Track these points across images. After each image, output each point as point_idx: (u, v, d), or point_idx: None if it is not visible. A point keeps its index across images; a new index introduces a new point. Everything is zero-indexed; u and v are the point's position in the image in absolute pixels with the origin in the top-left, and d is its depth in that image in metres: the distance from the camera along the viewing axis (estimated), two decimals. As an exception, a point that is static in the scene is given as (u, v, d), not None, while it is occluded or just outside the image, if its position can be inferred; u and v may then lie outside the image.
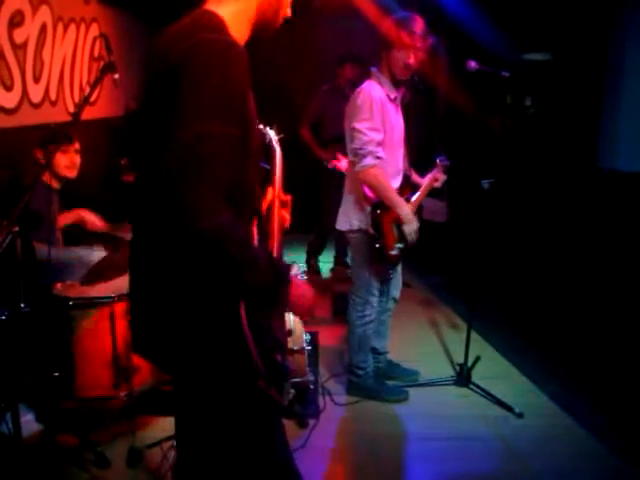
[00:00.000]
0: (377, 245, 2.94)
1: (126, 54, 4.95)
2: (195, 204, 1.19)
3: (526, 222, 5.14)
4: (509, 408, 3.06)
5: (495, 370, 3.54)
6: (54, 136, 2.97)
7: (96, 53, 4.50)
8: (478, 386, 3.26)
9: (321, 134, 5.09)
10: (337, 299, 4.44)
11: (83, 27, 4.30)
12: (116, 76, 2.67)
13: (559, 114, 5.16)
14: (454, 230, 5.13)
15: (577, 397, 3.23)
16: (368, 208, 2.96)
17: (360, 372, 3.21)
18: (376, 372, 3.33)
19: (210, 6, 1.40)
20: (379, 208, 2.92)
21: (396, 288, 3.32)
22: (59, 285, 2.67)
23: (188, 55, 1.24)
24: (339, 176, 4.58)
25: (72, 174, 3.10)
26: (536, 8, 5.06)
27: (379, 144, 2.84)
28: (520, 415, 3.02)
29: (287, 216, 1.77)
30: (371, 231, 2.94)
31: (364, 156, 2.82)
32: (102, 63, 2.62)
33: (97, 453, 2.59)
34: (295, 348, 2.94)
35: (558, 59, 5.22)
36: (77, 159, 3.11)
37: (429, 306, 4.66)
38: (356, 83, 5.05)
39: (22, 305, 2.24)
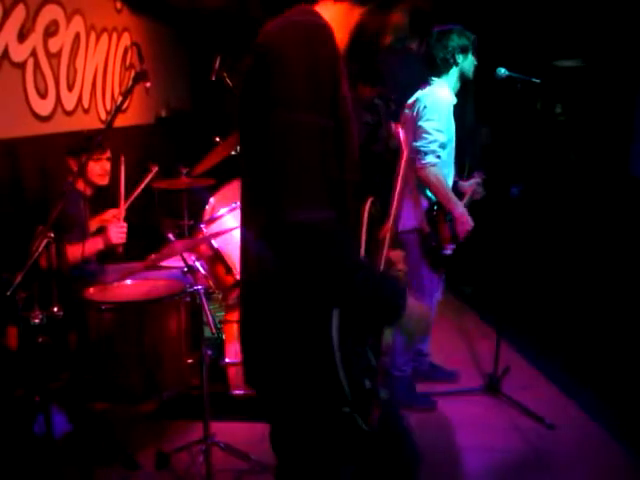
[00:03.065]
0: (433, 243, 2.96)
1: (157, 62, 5.03)
2: (283, 197, 1.14)
3: (556, 229, 5.06)
4: (540, 419, 3.01)
5: (525, 380, 3.48)
6: (86, 144, 3.02)
7: (128, 62, 4.58)
8: (508, 396, 3.21)
9: None
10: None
11: (115, 36, 4.38)
12: (148, 84, 2.71)
13: (590, 121, 5.09)
14: (484, 238, 5.09)
15: (610, 408, 3.16)
16: (424, 207, 2.99)
17: (398, 373, 3.18)
18: (416, 373, 3.31)
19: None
20: (436, 207, 2.97)
21: (439, 289, 3.33)
22: (91, 289, 2.71)
23: (273, 38, 1.21)
24: None
25: (104, 182, 3.15)
26: (568, 14, 5.00)
27: (442, 145, 2.91)
28: (551, 426, 2.96)
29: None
30: (427, 229, 2.96)
31: (426, 154, 2.89)
32: (134, 72, 2.67)
33: (126, 455, 2.61)
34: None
35: (590, 66, 5.16)
36: (108, 167, 3.16)
37: (459, 315, 4.61)
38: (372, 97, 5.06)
39: (55, 309, 2.28)
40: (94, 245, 3.00)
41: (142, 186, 3.34)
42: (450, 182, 3.07)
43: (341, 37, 1.34)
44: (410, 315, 1.30)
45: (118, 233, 3.00)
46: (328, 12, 1.34)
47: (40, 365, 2.29)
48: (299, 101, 1.16)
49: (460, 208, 2.97)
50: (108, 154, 3.15)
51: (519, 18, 4.96)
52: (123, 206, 3.13)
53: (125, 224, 3.06)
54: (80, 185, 3.07)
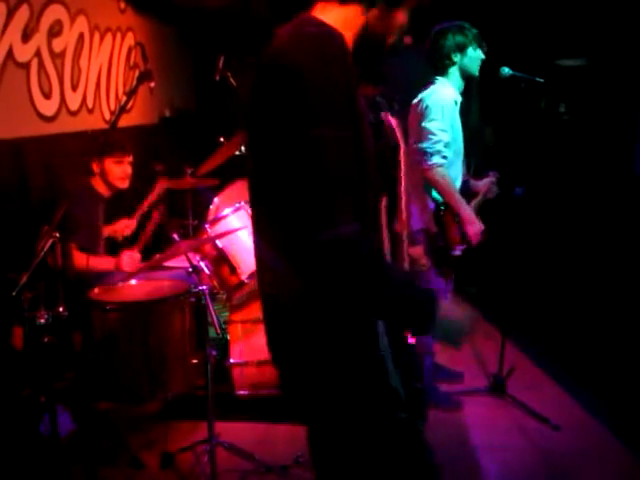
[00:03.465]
0: (440, 243, 2.95)
1: (161, 62, 5.03)
2: (315, 214, 1.15)
3: (560, 229, 5.05)
4: (545, 419, 3.00)
5: (530, 380, 3.47)
6: (110, 146, 3.03)
7: (132, 61, 4.58)
8: (513, 397, 3.20)
9: None
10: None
11: (119, 36, 4.38)
12: (152, 84, 2.72)
13: (594, 120, 5.08)
14: (489, 238, 5.07)
15: (615, 409, 3.14)
16: (431, 207, 2.97)
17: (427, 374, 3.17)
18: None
19: (317, 11, 1.35)
20: (443, 207, 2.94)
21: (447, 291, 3.30)
22: (96, 289, 2.71)
23: (290, 53, 1.20)
24: None
25: (124, 185, 3.17)
26: (571, 13, 4.99)
27: (447, 145, 2.88)
28: (556, 427, 2.96)
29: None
30: (434, 230, 2.95)
31: (431, 155, 2.86)
32: (138, 71, 2.67)
33: (131, 455, 2.61)
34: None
35: (594, 65, 5.14)
36: (130, 170, 3.17)
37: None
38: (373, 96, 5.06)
39: (61, 309, 2.28)
40: (104, 264, 3.03)
41: (152, 199, 3.35)
42: (459, 182, 3.06)
43: (347, 40, 1.33)
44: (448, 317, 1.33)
45: (131, 262, 3.03)
46: (333, 14, 1.33)
47: (45, 365, 2.30)
48: (324, 116, 1.16)
49: (467, 209, 2.94)
50: (130, 158, 3.16)
51: (522, 17, 4.95)
52: (135, 218, 3.18)
53: (139, 255, 3.10)
54: (100, 187, 3.09)
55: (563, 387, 3.40)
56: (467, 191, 3.11)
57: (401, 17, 1.41)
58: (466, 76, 3.04)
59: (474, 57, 3.00)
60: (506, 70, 3.02)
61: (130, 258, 3.03)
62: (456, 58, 2.98)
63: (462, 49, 2.97)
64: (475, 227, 2.92)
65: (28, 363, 2.42)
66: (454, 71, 3.01)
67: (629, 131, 4.69)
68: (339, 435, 1.37)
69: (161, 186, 3.42)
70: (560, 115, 5.51)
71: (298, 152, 1.16)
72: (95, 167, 3.06)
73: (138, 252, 3.12)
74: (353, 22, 1.36)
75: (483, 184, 3.20)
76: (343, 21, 1.34)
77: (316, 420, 1.42)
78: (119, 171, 3.11)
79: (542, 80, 3.05)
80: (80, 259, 2.81)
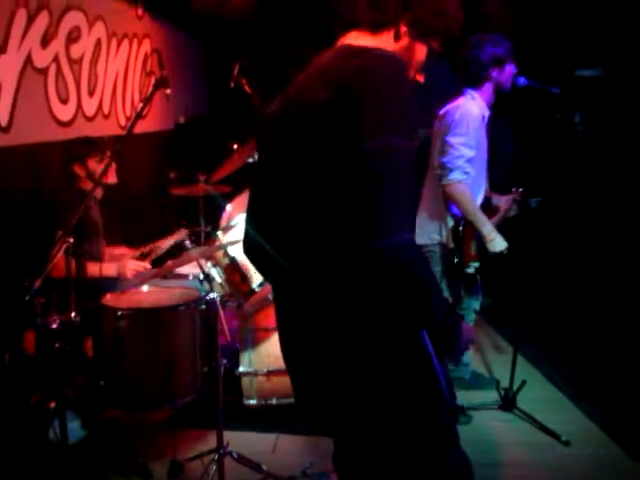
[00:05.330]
0: (456, 260, 2.92)
1: (177, 69, 5.07)
2: (390, 218, 1.19)
3: (575, 241, 5.00)
4: (556, 435, 2.96)
5: (541, 395, 3.43)
6: (88, 148, 3.05)
7: (148, 68, 4.61)
8: (524, 411, 3.17)
9: None
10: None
11: (136, 42, 4.42)
12: (168, 91, 2.73)
13: (609, 131, 5.04)
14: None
15: (626, 426, 3.10)
16: (450, 222, 2.95)
17: None
18: (458, 383, 3.31)
19: (347, 41, 1.42)
20: (462, 224, 2.91)
21: (477, 300, 3.32)
22: (108, 295, 2.72)
23: (361, 72, 1.25)
24: None
25: (114, 180, 3.17)
26: (588, 24, 4.96)
27: (469, 161, 2.84)
28: (567, 443, 2.92)
29: None
30: (451, 245, 2.93)
31: (451, 170, 2.82)
32: (155, 78, 2.69)
33: (139, 464, 2.61)
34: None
35: (610, 75, 5.11)
36: (113, 164, 3.15)
37: (475, 328, 4.57)
38: None
39: (73, 315, 2.29)
40: (106, 269, 3.01)
41: (166, 245, 3.32)
42: (480, 197, 3.02)
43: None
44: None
45: (135, 270, 3.03)
46: (365, 42, 1.39)
47: (56, 370, 2.30)
48: (392, 126, 1.23)
49: (488, 226, 2.89)
50: (108, 152, 3.14)
51: (540, 27, 4.93)
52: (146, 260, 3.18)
53: (148, 266, 3.11)
54: (90, 188, 3.08)
55: (574, 402, 3.36)
56: (488, 207, 3.08)
57: (422, 53, 1.47)
58: (499, 91, 2.98)
59: (509, 72, 2.94)
60: (522, 80, 2.97)
61: (136, 267, 3.04)
62: (493, 72, 2.92)
63: (500, 63, 2.91)
64: (494, 245, 2.89)
65: (39, 368, 2.44)
66: (488, 85, 2.95)
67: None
68: (386, 443, 1.41)
69: (180, 235, 3.38)
70: (575, 125, 5.49)
71: (367, 159, 1.21)
72: (80, 171, 3.06)
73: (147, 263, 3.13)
74: (385, 47, 1.40)
75: (505, 201, 3.16)
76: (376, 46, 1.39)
77: (358, 430, 1.43)
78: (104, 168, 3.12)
79: (557, 91, 3.02)
80: (93, 268, 2.82)
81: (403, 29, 1.41)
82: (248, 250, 1.61)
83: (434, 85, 3.69)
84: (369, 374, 1.32)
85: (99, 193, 3.15)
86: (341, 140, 1.25)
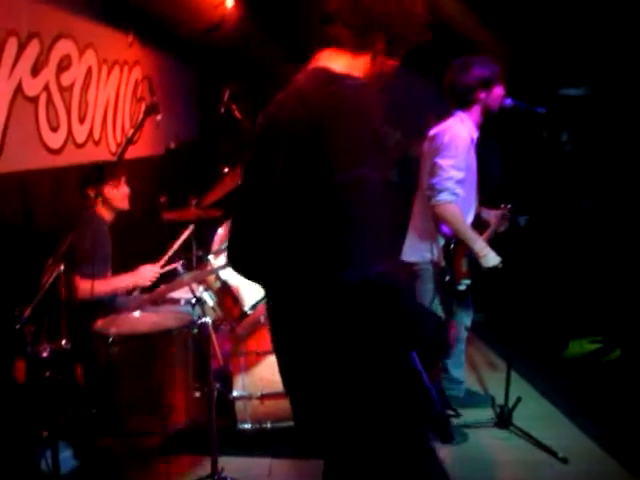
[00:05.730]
0: (447, 278, 2.94)
1: (167, 94, 5.11)
2: (362, 250, 1.21)
3: (565, 258, 5.03)
4: (553, 452, 2.95)
5: (537, 411, 3.42)
6: (101, 173, 3.08)
7: (139, 94, 4.64)
8: (520, 428, 3.15)
9: None
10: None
11: (126, 69, 4.45)
12: (159, 117, 2.76)
13: (597, 149, 5.10)
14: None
15: (624, 441, 3.09)
16: (441, 241, 2.97)
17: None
18: (453, 401, 3.30)
19: (322, 62, 1.44)
20: (453, 242, 2.94)
21: (468, 317, 3.33)
22: (99, 321, 2.71)
23: (333, 103, 1.28)
24: None
25: (125, 206, 3.21)
26: (573, 43, 5.05)
27: (459, 182, 2.87)
28: (564, 460, 2.90)
29: None
30: (442, 264, 2.95)
31: (440, 192, 2.86)
32: (145, 104, 2.72)
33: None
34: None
35: (596, 94, 5.18)
36: (127, 190, 3.22)
37: (467, 345, 4.55)
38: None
39: (63, 342, 2.28)
40: (124, 282, 3.12)
41: (176, 246, 3.37)
42: (471, 217, 3.05)
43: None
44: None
45: (150, 274, 3.14)
46: (344, 61, 1.43)
47: (48, 399, 2.29)
48: (363, 157, 1.24)
49: (480, 243, 2.92)
50: (124, 177, 3.20)
51: (526, 47, 5.01)
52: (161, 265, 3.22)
53: (159, 270, 3.18)
54: (103, 213, 3.13)
55: (570, 418, 3.35)
56: (479, 223, 3.10)
57: (393, 64, 1.51)
58: (487, 112, 3.02)
59: (497, 94, 2.98)
60: (509, 101, 3.01)
61: (149, 271, 3.14)
62: (481, 95, 2.95)
63: (487, 85, 2.94)
64: (487, 261, 2.91)
65: (30, 397, 2.41)
66: (476, 107, 2.99)
67: (633, 159, 4.70)
68: (374, 465, 1.39)
69: (187, 231, 3.45)
70: (562, 144, 5.55)
71: (338, 191, 1.23)
72: (94, 196, 3.09)
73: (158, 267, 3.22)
74: (361, 71, 1.45)
75: (494, 215, 3.19)
76: (352, 68, 1.43)
77: (345, 450, 1.43)
78: (118, 194, 3.16)
79: (543, 110, 3.07)
80: (86, 289, 2.80)
81: (380, 47, 1.45)
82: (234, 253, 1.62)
83: (424, 107, 3.76)
84: (350, 396, 1.33)
85: (110, 218, 3.18)
86: (314, 170, 1.27)
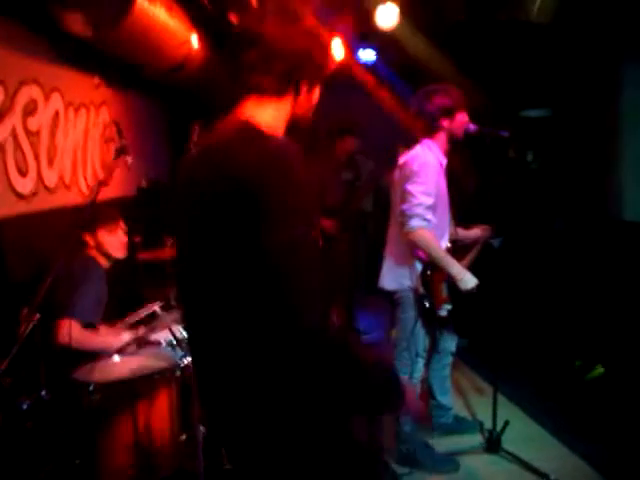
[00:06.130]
0: (427, 304, 2.94)
1: (137, 134, 5.09)
2: (305, 307, 1.20)
3: (542, 278, 5.09)
4: (544, 475, 2.94)
5: (525, 433, 3.43)
6: (99, 217, 3.00)
7: (107, 135, 4.61)
8: (509, 452, 3.15)
9: (322, 203, 5.18)
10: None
11: (93, 111, 4.43)
12: (129, 159, 2.75)
13: (562, 167, 5.23)
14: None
15: (612, 458, 3.11)
16: (418, 267, 2.98)
17: (408, 438, 3.11)
18: (441, 428, 3.33)
19: (247, 112, 1.43)
20: (430, 268, 2.95)
21: (453, 342, 3.34)
22: (79, 370, 2.63)
23: (258, 166, 1.25)
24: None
25: (122, 254, 3.12)
26: (534, 67, 5.21)
27: (429, 208, 2.90)
28: (555, 481, 2.91)
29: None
30: (421, 290, 2.95)
31: (411, 218, 2.88)
32: (115, 146, 2.70)
33: None
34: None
35: (558, 114, 5.34)
36: (125, 238, 3.13)
37: (452, 370, 4.55)
38: (352, 154, 5.25)
39: (43, 393, 2.22)
40: (104, 342, 2.86)
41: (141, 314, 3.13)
42: (445, 241, 3.08)
43: (281, 126, 1.46)
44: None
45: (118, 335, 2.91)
46: (269, 109, 1.43)
47: (29, 451, 2.21)
48: (295, 218, 1.24)
49: (455, 267, 2.95)
50: (123, 225, 3.13)
51: (487, 71, 5.15)
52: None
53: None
54: (99, 259, 3.03)
55: (559, 438, 3.36)
56: (458, 248, 3.14)
57: (316, 96, 1.54)
58: (452, 139, 3.08)
59: (461, 121, 3.04)
60: (472, 127, 3.07)
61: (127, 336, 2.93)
62: (444, 122, 3.01)
63: (450, 113, 3.01)
64: (465, 284, 2.93)
65: (10, 450, 2.33)
66: (441, 134, 3.05)
67: (599, 176, 4.83)
68: None
69: (152, 307, 3.27)
70: (528, 164, 5.68)
71: (271, 253, 1.21)
72: (89, 240, 3.01)
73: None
74: (287, 112, 1.47)
75: (474, 233, 3.24)
76: (278, 114, 1.45)
77: None
78: (114, 241, 3.06)
79: (506, 134, 3.14)
80: (67, 335, 2.72)
81: (303, 85, 1.46)
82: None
83: (394, 136, 3.80)
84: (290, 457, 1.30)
85: (107, 265, 3.08)
86: (241, 232, 1.25)
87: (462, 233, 3.29)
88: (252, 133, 1.35)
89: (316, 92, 1.53)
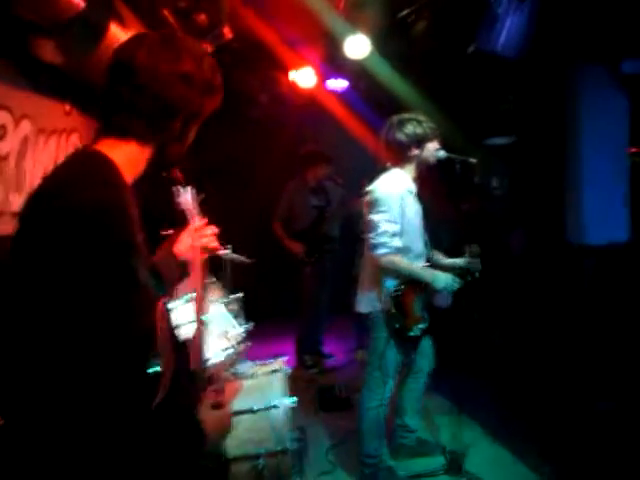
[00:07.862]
0: (397, 326, 3.00)
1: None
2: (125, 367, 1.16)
3: (507, 300, 5.19)
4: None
5: (488, 455, 3.46)
6: None
7: (77, 160, 4.61)
8: (472, 474, 3.19)
9: (291, 227, 5.26)
10: (322, 393, 4.39)
11: (64, 137, 4.44)
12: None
13: (526, 192, 5.37)
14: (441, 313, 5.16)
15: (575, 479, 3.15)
16: (390, 288, 3.03)
17: (372, 461, 3.13)
18: (403, 450, 3.35)
19: (104, 147, 1.33)
20: (399, 289, 3.01)
21: (428, 362, 3.37)
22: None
23: (64, 214, 1.20)
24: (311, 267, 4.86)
25: None
26: (496, 97, 5.38)
27: (394, 235, 2.97)
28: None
29: (213, 244, 1.69)
30: (393, 311, 3.01)
31: (376, 246, 2.97)
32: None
33: None
34: (278, 448, 2.57)
35: (520, 141, 5.50)
36: None
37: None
38: (322, 180, 5.34)
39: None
40: None
41: None
42: (422, 260, 3.14)
43: (131, 173, 1.39)
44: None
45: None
46: (121, 150, 1.34)
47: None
48: (119, 249, 1.20)
49: (426, 272, 3.04)
50: None
51: (454, 100, 5.31)
52: None
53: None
54: None
55: (522, 461, 3.39)
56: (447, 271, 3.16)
57: (193, 134, 1.47)
58: (422, 166, 3.16)
59: (432, 150, 3.12)
60: (442, 153, 3.17)
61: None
62: (415, 151, 3.08)
63: (421, 143, 3.08)
64: (439, 282, 3.00)
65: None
66: (411, 162, 3.12)
67: (558, 200, 4.96)
68: None
69: None
70: (493, 189, 5.83)
71: (99, 285, 1.16)
72: None
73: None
74: (140, 156, 1.40)
75: (461, 261, 3.28)
76: (129, 157, 1.36)
77: None
78: None
79: (475, 160, 3.25)
80: None
81: (174, 130, 1.38)
82: None
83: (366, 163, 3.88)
84: None
85: None
86: (57, 265, 1.19)
87: (440, 258, 3.34)
88: (89, 168, 1.26)
89: (192, 132, 1.45)
